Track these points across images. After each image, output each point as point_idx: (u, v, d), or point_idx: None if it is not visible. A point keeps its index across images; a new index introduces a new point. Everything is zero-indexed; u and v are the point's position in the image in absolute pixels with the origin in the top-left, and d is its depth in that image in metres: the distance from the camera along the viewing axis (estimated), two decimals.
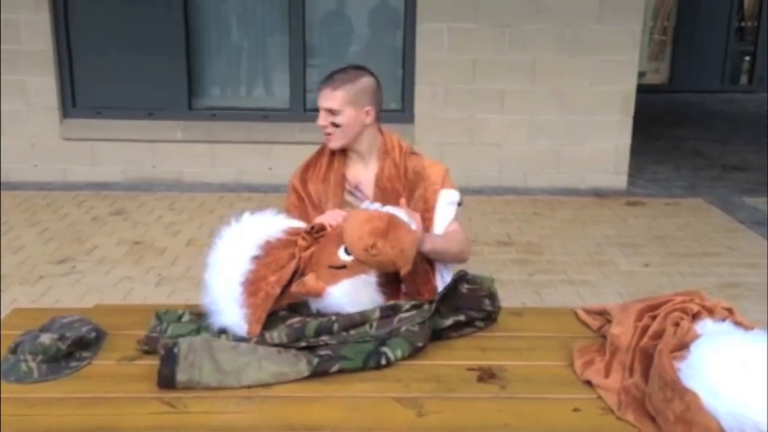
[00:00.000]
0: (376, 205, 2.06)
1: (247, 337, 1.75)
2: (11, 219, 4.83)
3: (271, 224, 1.96)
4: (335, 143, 2.21)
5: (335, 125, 2.18)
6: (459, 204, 2.29)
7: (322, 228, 1.96)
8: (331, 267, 1.85)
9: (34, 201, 5.23)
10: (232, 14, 5.83)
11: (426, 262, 2.16)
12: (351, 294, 1.84)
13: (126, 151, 5.71)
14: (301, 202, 2.27)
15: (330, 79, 2.20)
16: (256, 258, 1.86)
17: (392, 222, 1.89)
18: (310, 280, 1.81)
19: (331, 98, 2.17)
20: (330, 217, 2.04)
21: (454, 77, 5.58)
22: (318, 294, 1.82)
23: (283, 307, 1.86)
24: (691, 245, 4.56)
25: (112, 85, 5.71)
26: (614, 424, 1.52)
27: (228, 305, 1.79)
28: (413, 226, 1.97)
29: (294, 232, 1.96)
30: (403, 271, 1.89)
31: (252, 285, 1.82)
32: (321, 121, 2.20)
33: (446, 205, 2.24)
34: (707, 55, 11.09)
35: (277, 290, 1.83)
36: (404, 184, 2.22)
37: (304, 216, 2.19)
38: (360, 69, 2.25)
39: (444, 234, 2.21)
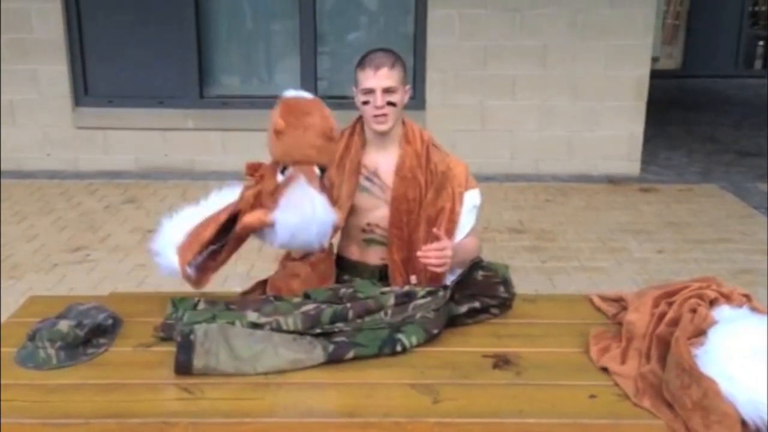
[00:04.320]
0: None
1: (191, 283, 1.86)
2: (25, 208, 4.86)
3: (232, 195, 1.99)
4: (389, 124, 2.15)
5: (391, 104, 2.13)
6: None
7: (260, 165, 1.96)
8: (272, 195, 1.86)
9: (47, 190, 5.25)
10: (243, 2, 5.82)
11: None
12: (290, 205, 1.83)
13: (138, 140, 5.72)
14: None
15: (379, 59, 2.16)
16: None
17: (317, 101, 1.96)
18: (249, 215, 1.84)
19: (388, 77, 2.13)
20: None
21: (466, 63, 5.55)
22: (262, 222, 1.83)
23: (297, 294, 1.87)
24: (705, 231, 4.53)
25: (124, 74, 5.71)
26: (631, 411, 1.52)
27: (164, 248, 1.90)
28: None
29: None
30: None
31: (191, 234, 1.89)
32: (378, 101, 2.11)
33: (469, 210, 2.21)
34: (720, 39, 10.99)
35: (206, 233, 1.88)
36: (426, 177, 2.18)
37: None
38: (391, 50, 2.24)
39: (463, 244, 2.18)
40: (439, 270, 2.00)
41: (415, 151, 2.19)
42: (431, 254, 1.97)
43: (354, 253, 2.24)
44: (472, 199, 2.22)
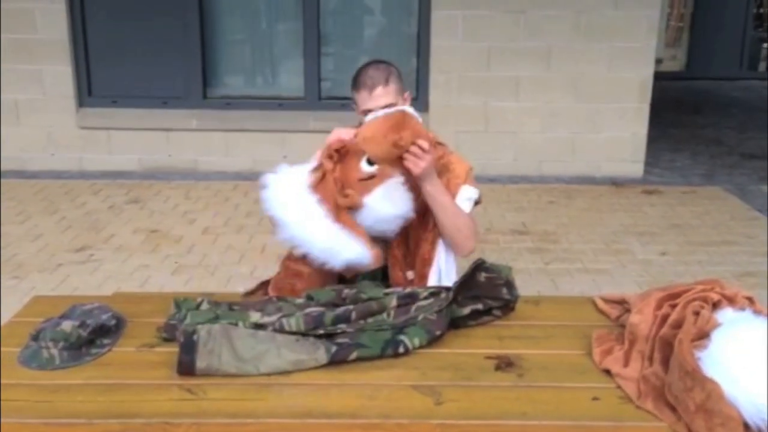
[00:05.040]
0: (381, 111, 2.11)
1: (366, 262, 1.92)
2: (29, 208, 4.87)
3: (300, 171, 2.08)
4: None
5: None
6: (477, 203, 2.28)
7: (342, 146, 2.04)
8: (360, 180, 2.00)
9: (51, 190, 5.27)
10: (247, 3, 5.83)
11: (430, 242, 2.17)
12: (385, 198, 1.99)
13: (142, 140, 5.73)
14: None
15: (372, 78, 2.19)
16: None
17: (406, 114, 2.03)
18: (350, 194, 1.97)
19: (384, 95, 2.17)
20: (339, 134, 2.10)
21: (469, 65, 5.55)
22: (357, 206, 1.97)
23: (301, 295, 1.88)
24: (708, 234, 4.52)
25: (128, 75, 5.72)
26: (633, 413, 1.51)
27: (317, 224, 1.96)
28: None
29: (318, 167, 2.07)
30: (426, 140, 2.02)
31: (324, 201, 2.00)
32: None
33: (464, 200, 2.23)
34: (725, 41, 10.96)
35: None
36: None
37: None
38: (382, 61, 2.27)
39: (456, 209, 2.19)
40: (414, 168, 2.03)
41: None
42: (413, 149, 2.02)
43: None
44: (468, 192, 2.23)
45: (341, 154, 2.05)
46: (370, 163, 2.02)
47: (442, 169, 2.20)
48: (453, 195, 2.20)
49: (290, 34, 5.82)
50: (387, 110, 2.10)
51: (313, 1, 5.59)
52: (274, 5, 5.86)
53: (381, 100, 2.16)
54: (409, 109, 2.10)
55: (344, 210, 2.00)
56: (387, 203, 2.00)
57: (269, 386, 1.59)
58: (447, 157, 2.22)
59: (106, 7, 5.61)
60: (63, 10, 5.48)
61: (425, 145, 2.03)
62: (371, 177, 2.01)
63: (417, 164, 2.03)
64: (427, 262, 2.18)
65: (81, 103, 5.73)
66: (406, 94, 2.25)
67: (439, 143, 2.24)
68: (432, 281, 2.16)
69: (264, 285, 2.22)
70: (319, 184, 2.02)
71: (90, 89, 5.74)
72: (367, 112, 2.16)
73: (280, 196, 1.99)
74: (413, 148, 2.02)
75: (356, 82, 2.22)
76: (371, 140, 2.02)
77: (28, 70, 5.57)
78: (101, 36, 5.65)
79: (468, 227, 2.20)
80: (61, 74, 5.60)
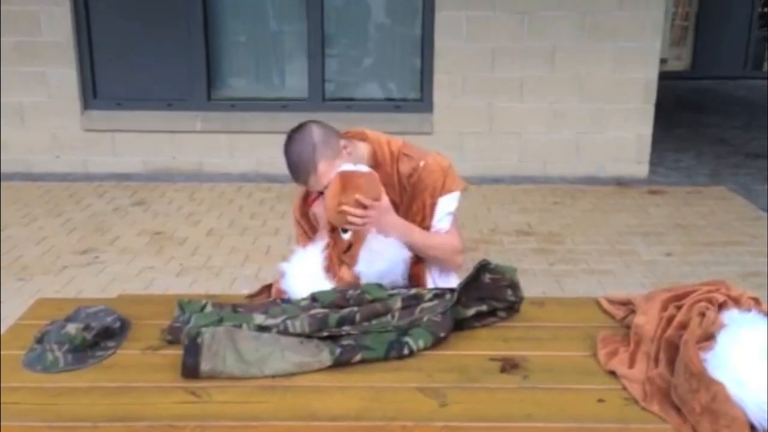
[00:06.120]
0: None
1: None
2: (34, 210, 4.88)
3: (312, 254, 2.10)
4: None
5: None
6: (465, 188, 2.23)
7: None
8: (345, 252, 2.02)
9: (56, 192, 5.28)
10: (251, 5, 5.83)
11: (418, 263, 2.15)
12: (372, 258, 2.00)
13: (146, 142, 5.74)
14: (306, 233, 2.24)
15: (297, 174, 2.05)
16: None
17: (343, 177, 1.99)
18: (343, 275, 1.99)
19: (317, 183, 2.04)
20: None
21: (473, 66, 5.55)
22: (355, 280, 1.99)
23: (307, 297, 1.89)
24: (713, 234, 4.51)
25: (132, 77, 5.73)
26: (639, 415, 1.51)
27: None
28: (363, 167, 2.05)
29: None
30: (373, 194, 2.00)
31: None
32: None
33: (443, 217, 2.17)
34: (729, 41, 10.93)
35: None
36: (399, 193, 2.13)
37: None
38: (300, 130, 2.07)
39: (433, 235, 2.16)
40: (363, 230, 2.03)
41: (386, 173, 2.13)
42: (354, 211, 1.99)
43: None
44: (446, 206, 2.16)
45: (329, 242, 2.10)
46: (344, 229, 2.06)
47: (414, 190, 2.12)
48: (430, 215, 2.14)
49: (294, 36, 5.83)
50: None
51: (317, 2, 5.59)
52: (278, 7, 5.86)
53: (321, 183, 2.04)
54: (346, 167, 2.02)
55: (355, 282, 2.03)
56: (377, 261, 2.00)
57: (273, 388, 1.59)
58: (417, 173, 2.12)
59: (110, 10, 5.62)
60: (68, 12, 5.50)
61: (366, 201, 1.97)
62: (350, 245, 2.05)
63: (365, 224, 2.00)
64: (420, 280, 2.17)
65: (86, 105, 5.75)
66: (341, 149, 2.06)
67: (406, 154, 2.15)
68: None
69: (267, 288, 2.22)
70: (330, 263, 2.07)
71: (95, 91, 5.75)
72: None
73: (299, 285, 2.00)
74: (354, 210, 1.97)
75: (292, 176, 2.10)
76: (328, 212, 2.02)
77: (33, 73, 5.59)
78: (106, 38, 5.66)
79: (447, 250, 2.17)
80: (66, 77, 5.61)
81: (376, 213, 2.01)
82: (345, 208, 1.97)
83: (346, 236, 2.06)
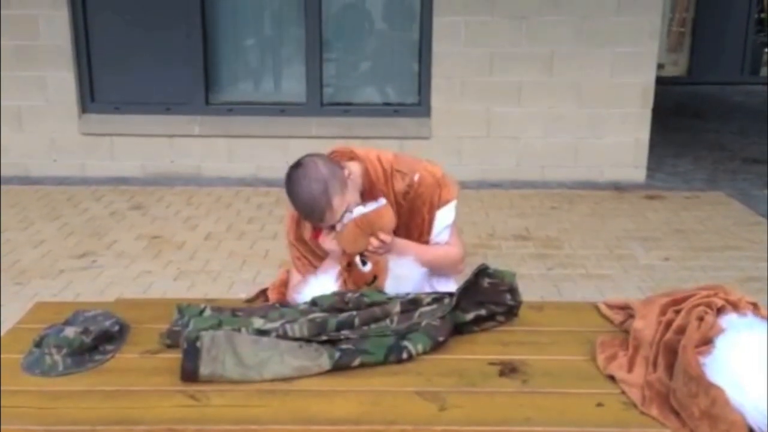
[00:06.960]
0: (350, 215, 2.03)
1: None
2: (32, 214, 4.88)
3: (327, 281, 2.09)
4: None
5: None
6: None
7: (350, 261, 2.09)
8: (370, 285, 2.04)
9: (54, 196, 5.27)
10: (249, 9, 5.84)
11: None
12: (397, 285, 2.01)
13: (144, 146, 5.74)
14: (303, 257, 2.21)
15: (311, 205, 1.97)
16: None
17: (359, 224, 2.00)
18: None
19: (332, 219, 2.00)
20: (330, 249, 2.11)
21: (471, 70, 5.56)
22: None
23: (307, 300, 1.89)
24: (711, 239, 4.52)
25: (130, 81, 5.73)
26: (638, 419, 1.51)
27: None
28: (380, 202, 2.05)
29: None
30: (390, 227, 2.04)
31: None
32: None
33: (443, 229, 2.18)
34: (726, 46, 10.96)
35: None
36: (397, 210, 2.10)
37: (310, 267, 2.17)
38: (304, 168, 1.99)
39: (435, 249, 2.18)
40: (381, 258, 2.06)
41: (381, 192, 2.12)
42: (377, 245, 2.02)
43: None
44: (443, 219, 2.16)
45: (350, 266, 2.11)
46: (364, 261, 2.06)
47: (411, 206, 2.13)
48: (428, 230, 2.15)
49: (292, 40, 5.84)
50: (347, 217, 2.02)
51: (315, 7, 5.60)
52: (277, 11, 5.87)
53: (336, 218, 2.00)
54: (357, 211, 2.01)
55: None
56: (404, 285, 2.02)
57: (273, 392, 1.59)
58: (413, 190, 2.11)
59: (108, 14, 5.62)
60: (66, 16, 5.50)
61: (386, 237, 2.02)
62: (374, 277, 2.05)
63: (384, 252, 2.06)
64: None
65: (84, 109, 5.74)
66: (347, 174, 2.03)
67: (399, 170, 2.13)
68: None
69: (263, 293, 2.22)
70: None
71: (93, 95, 5.75)
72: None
73: None
74: (376, 247, 2.03)
75: (304, 216, 2.06)
76: (350, 246, 2.03)
77: (31, 77, 5.59)
78: (104, 42, 5.66)
79: (448, 261, 2.20)
80: (64, 80, 5.61)
81: (389, 246, 2.05)
82: (369, 248, 2.02)
83: (367, 268, 2.05)
